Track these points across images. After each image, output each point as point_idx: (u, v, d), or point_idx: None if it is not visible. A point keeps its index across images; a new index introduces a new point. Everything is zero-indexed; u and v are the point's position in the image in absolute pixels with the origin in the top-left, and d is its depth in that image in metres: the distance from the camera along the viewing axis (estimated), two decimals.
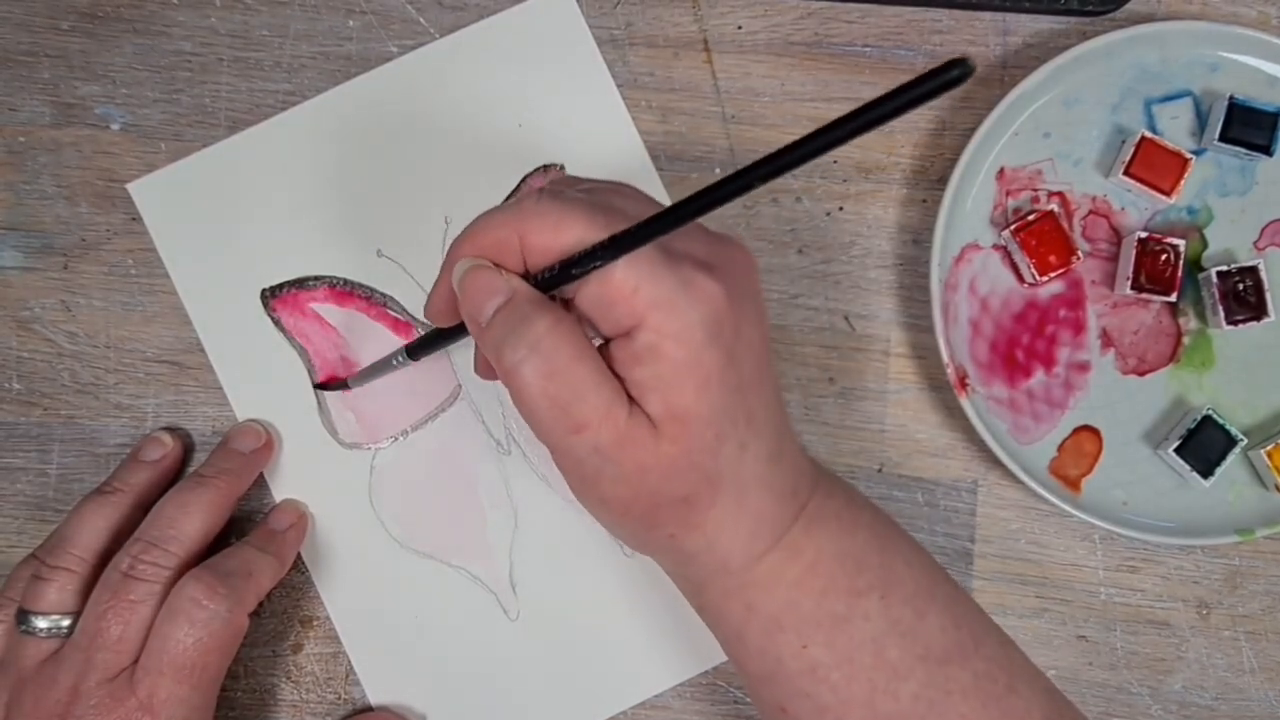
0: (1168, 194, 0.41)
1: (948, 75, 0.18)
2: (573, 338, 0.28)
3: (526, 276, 0.29)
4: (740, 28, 0.44)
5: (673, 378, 0.28)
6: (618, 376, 0.29)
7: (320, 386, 0.43)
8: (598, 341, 0.30)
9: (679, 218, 0.26)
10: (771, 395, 0.31)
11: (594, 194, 0.30)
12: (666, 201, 0.43)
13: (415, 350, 0.37)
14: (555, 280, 0.28)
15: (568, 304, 0.29)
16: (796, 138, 0.22)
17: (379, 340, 0.43)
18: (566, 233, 0.28)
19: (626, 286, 0.27)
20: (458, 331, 0.33)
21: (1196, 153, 0.41)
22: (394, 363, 0.38)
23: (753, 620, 0.32)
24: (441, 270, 0.31)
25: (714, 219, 0.43)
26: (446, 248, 0.43)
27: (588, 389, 0.28)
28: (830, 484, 0.34)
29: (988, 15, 0.43)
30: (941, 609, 0.33)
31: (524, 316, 0.28)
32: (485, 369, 0.36)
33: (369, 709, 0.42)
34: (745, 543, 0.31)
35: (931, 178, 0.43)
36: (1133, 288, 0.40)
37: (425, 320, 0.43)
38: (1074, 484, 0.42)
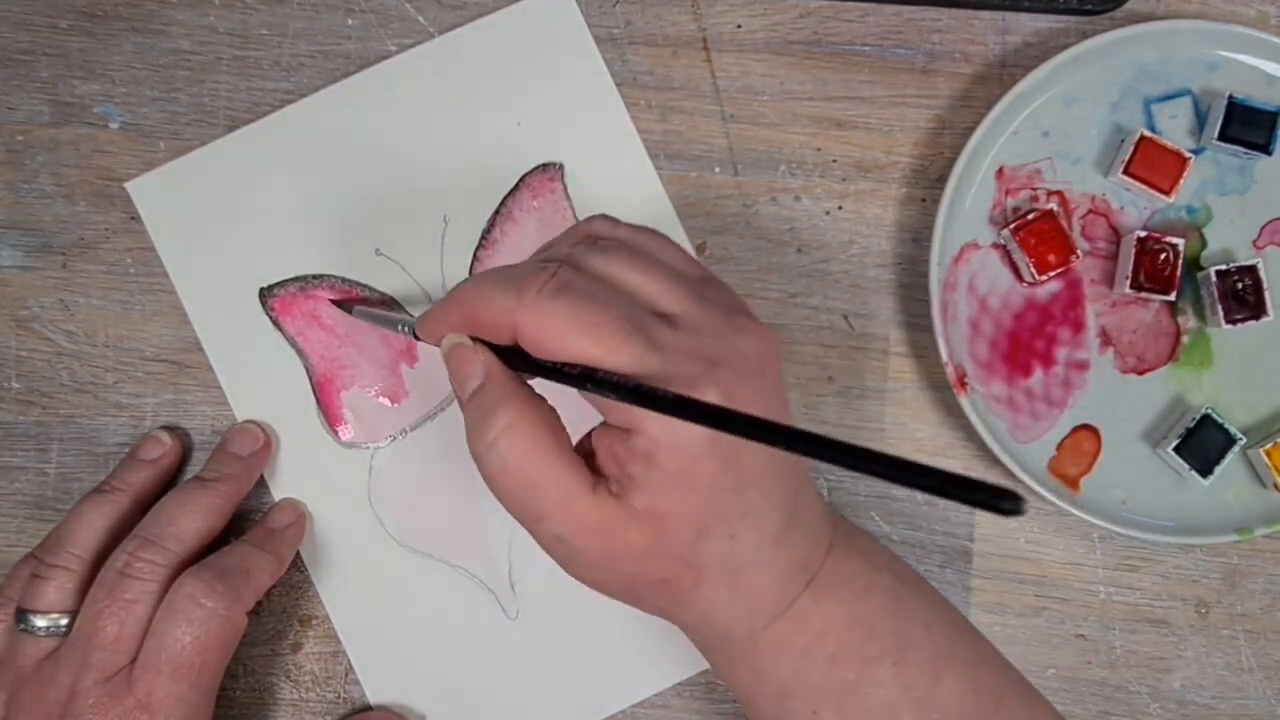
0: (1167, 193, 0.41)
1: (998, 503, 0.18)
2: (532, 433, 0.28)
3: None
4: (739, 26, 0.44)
5: (661, 483, 0.28)
6: (610, 455, 0.28)
7: (336, 303, 0.42)
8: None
9: (722, 421, 0.24)
10: (780, 482, 0.30)
11: (606, 283, 0.29)
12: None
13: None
14: (549, 374, 0.28)
15: None
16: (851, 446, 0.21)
17: (377, 339, 0.43)
18: (564, 347, 0.27)
19: None
20: None
21: (1195, 152, 0.41)
22: (399, 330, 0.37)
23: (761, 686, 0.32)
24: (443, 302, 0.31)
25: (715, 216, 0.43)
26: (445, 247, 0.43)
27: (544, 484, 0.28)
28: (847, 545, 0.33)
29: (987, 14, 0.43)
30: (960, 672, 0.32)
31: (490, 409, 0.29)
32: None
33: (368, 708, 0.42)
34: (745, 618, 0.30)
35: (931, 176, 0.43)
36: (1132, 287, 0.40)
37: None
38: (1073, 483, 0.42)
